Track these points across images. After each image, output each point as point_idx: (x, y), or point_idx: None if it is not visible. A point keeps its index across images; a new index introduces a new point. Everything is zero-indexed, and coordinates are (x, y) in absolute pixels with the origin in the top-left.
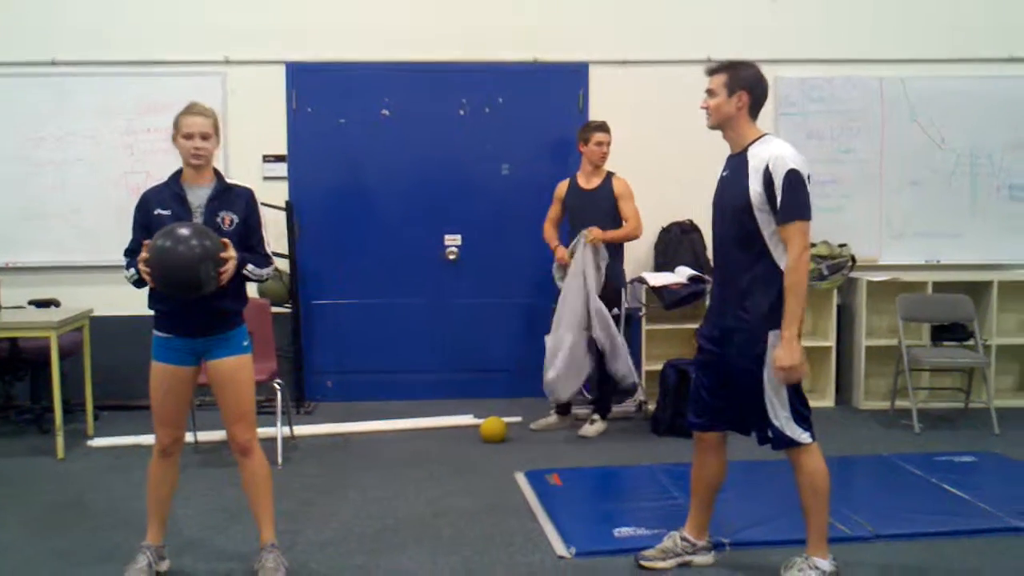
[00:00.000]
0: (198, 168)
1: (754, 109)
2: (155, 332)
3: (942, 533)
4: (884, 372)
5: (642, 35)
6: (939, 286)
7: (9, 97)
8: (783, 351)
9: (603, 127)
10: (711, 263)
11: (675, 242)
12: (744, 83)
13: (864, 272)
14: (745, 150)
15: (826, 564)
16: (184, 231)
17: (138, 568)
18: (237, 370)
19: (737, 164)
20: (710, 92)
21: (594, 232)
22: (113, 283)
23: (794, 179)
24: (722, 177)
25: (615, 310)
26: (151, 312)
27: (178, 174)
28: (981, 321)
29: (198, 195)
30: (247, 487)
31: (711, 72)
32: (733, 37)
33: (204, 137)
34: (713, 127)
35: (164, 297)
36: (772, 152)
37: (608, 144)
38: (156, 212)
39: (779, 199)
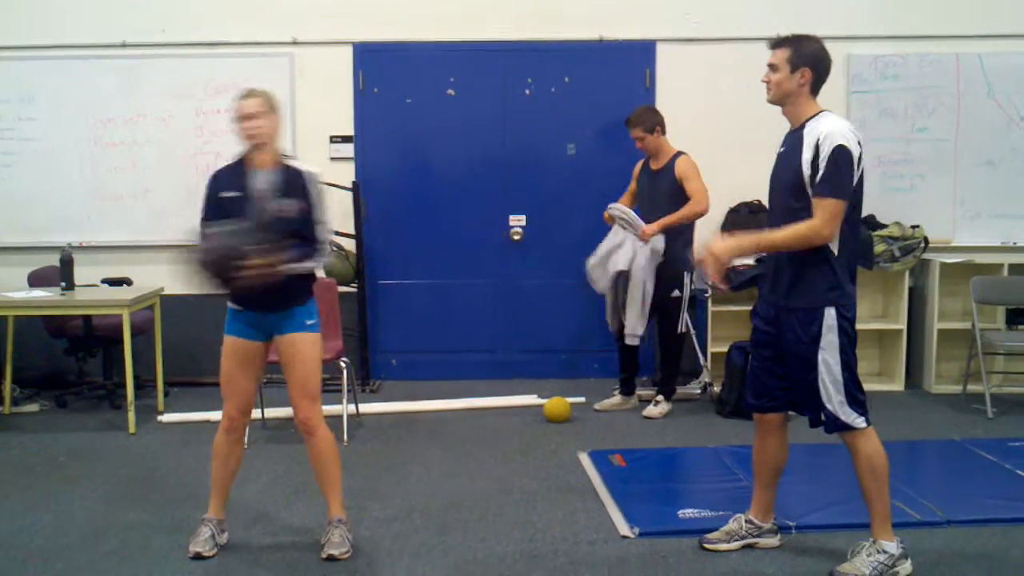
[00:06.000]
0: (258, 149)
1: (816, 86)
2: (228, 304)
3: (1016, 519)
4: (956, 356)
5: (710, 12)
6: (1015, 268)
7: (80, 79)
8: (724, 242)
9: (627, 122)
10: None
11: (743, 223)
12: (808, 59)
13: (937, 254)
14: (802, 126)
15: (892, 547)
16: (215, 232)
17: (202, 540)
18: (298, 346)
19: (794, 140)
20: (772, 67)
21: (646, 231)
22: (183, 263)
23: (839, 155)
24: (779, 153)
25: (676, 292)
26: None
27: (238, 160)
28: None
29: (261, 179)
30: (314, 465)
31: (774, 46)
32: (803, 13)
33: (255, 116)
34: (773, 102)
35: None
36: (826, 127)
37: (639, 140)
38: (222, 194)
39: (820, 172)
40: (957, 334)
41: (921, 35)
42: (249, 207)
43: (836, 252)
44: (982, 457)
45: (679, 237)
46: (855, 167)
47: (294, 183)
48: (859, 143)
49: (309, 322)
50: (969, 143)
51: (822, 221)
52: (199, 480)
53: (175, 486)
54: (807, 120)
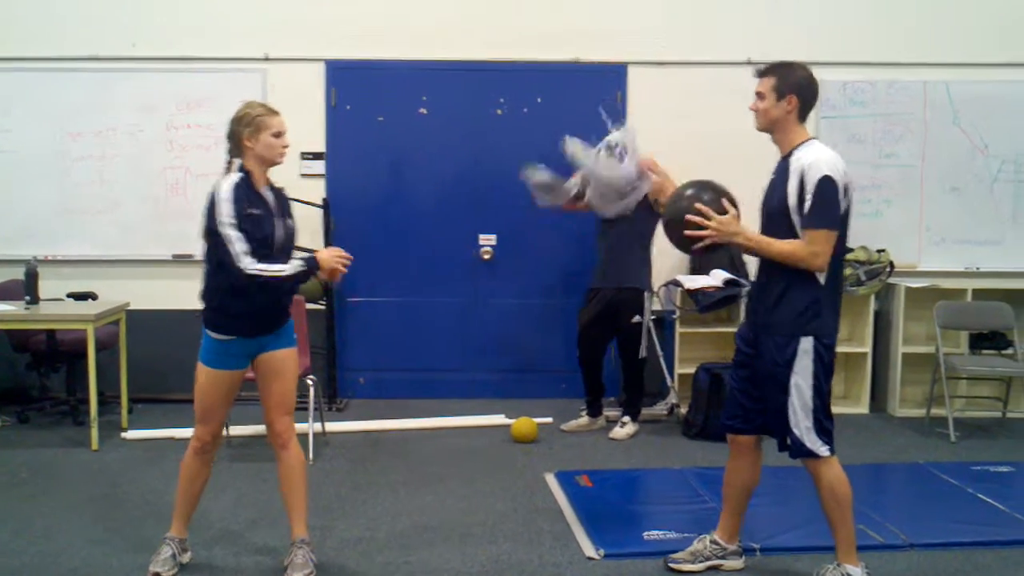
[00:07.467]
0: (270, 168)
1: (803, 112)
2: (214, 336)
3: (977, 543)
4: (920, 380)
5: (682, 36)
6: (978, 294)
7: (50, 92)
8: (733, 221)
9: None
10: (746, 266)
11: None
12: (794, 87)
13: (902, 278)
14: (790, 154)
15: (857, 571)
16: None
17: (162, 560)
18: (289, 360)
19: (782, 168)
20: (759, 95)
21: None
22: (149, 277)
23: (825, 186)
24: (770, 180)
25: (637, 317)
26: (208, 312)
27: (245, 175)
28: (1021, 330)
29: (266, 196)
30: (283, 480)
31: (760, 74)
32: (774, 39)
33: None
34: (761, 130)
35: (244, 297)
36: (812, 157)
37: None
38: (249, 211)
39: (807, 204)
40: (921, 358)
41: (889, 62)
42: (268, 225)
43: (822, 281)
44: (945, 481)
45: (635, 259)
46: (841, 196)
47: (286, 202)
48: (845, 172)
49: (294, 335)
50: (935, 169)
51: (815, 249)
52: (162, 498)
53: (138, 504)
54: (795, 148)
